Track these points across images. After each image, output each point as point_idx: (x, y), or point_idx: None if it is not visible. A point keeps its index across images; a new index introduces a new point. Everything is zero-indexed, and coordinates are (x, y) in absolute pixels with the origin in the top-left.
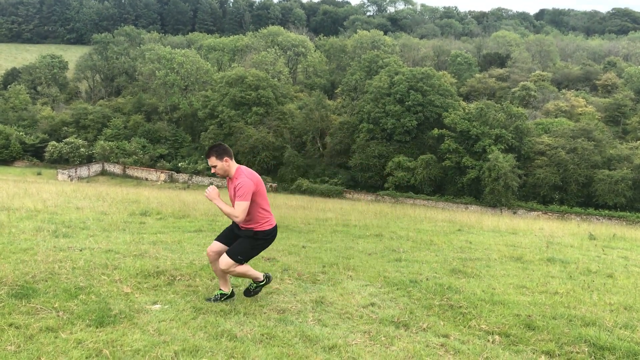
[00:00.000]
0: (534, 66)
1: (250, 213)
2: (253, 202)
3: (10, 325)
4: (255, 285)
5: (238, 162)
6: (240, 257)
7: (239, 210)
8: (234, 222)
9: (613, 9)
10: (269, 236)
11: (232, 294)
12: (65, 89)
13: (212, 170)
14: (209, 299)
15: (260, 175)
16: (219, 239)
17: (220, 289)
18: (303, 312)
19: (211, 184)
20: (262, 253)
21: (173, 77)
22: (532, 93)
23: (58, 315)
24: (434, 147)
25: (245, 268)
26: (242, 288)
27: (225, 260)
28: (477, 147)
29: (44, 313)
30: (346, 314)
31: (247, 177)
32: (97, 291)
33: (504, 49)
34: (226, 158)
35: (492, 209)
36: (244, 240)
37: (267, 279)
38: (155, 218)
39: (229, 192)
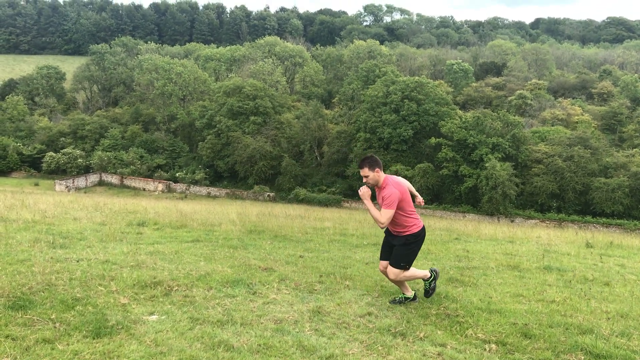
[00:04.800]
0: (530, 75)
1: (398, 220)
2: (400, 209)
3: (7, 337)
4: (427, 284)
5: (235, 172)
6: (403, 263)
7: (385, 217)
8: (387, 234)
9: (608, 17)
10: (418, 237)
11: (414, 297)
12: (63, 99)
13: (364, 180)
14: (392, 301)
15: (257, 184)
16: (382, 257)
17: (403, 294)
18: (300, 322)
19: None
20: (259, 263)
21: (171, 87)
22: (529, 101)
23: (55, 327)
24: (431, 156)
25: (411, 272)
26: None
27: (392, 271)
28: (474, 156)
29: (41, 324)
30: (343, 323)
31: (394, 187)
32: (94, 302)
33: (500, 57)
34: (377, 169)
35: (490, 217)
36: (399, 248)
37: (435, 273)
38: (153, 228)
39: (377, 200)
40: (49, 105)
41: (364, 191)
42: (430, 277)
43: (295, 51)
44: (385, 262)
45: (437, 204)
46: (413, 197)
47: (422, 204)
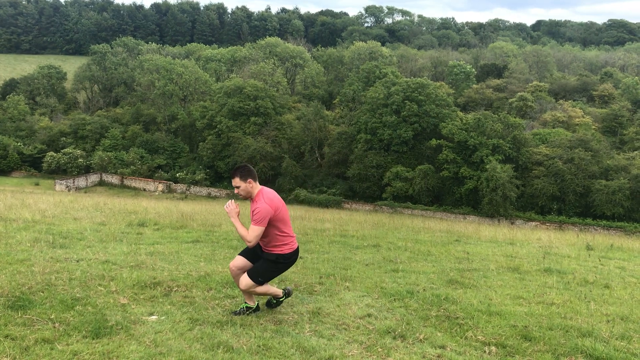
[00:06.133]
0: (531, 77)
1: (269, 236)
2: (272, 226)
3: (6, 336)
4: (275, 301)
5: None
6: (261, 279)
7: (252, 235)
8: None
9: (609, 20)
10: (289, 260)
11: (257, 308)
12: (64, 99)
13: (236, 191)
14: (235, 312)
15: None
16: (242, 253)
17: (245, 302)
18: (300, 323)
19: (229, 197)
20: None
21: (172, 87)
22: (529, 103)
23: (54, 327)
24: (431, 157)
25: (264, 288)
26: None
27: (245, 281)
28: (475, 158)
29: (40, 324)
30: (343, 325)
31: (266, 202)
32: (93, 302)
33: (501, 59)
34: (250, 180)
35: (490, 219)
36: (265, 263)
37: (287, 294)
38: (153, 229)
39: (250, 213)
40: (49, 105)
41: (231, 208)
42: (282, 297)
43: (296, 52)
44: (242, 260)
45: (438, 206)
46: None
47: None
